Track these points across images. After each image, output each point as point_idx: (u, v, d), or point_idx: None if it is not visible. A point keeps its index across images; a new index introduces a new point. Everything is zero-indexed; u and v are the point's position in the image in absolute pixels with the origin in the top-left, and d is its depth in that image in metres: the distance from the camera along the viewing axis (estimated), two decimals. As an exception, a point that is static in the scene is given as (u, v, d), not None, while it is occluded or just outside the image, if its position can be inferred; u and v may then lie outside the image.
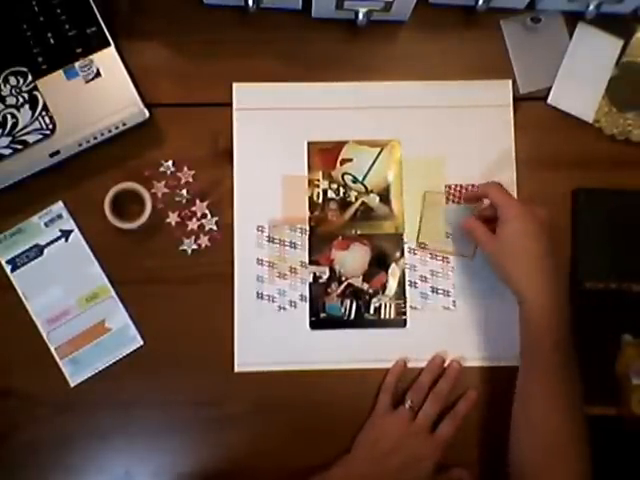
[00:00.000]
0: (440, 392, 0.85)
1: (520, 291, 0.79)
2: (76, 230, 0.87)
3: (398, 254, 0.89)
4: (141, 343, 0.87)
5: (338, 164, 0.90)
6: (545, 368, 0.78)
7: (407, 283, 0.88)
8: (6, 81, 0.85)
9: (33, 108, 0.85)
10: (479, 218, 0.84)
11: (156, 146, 0.89)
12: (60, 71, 0.86)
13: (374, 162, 0.90)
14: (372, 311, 0.88)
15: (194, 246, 0.88)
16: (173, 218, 0.88)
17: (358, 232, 0.89)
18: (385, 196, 0.90)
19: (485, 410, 0.86)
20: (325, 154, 0.90)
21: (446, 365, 0.87)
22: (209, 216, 0.88)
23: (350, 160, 0.90)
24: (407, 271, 0.89)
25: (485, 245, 0.82)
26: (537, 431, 0.78)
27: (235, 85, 0.90)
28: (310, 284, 0.88)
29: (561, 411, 0.78)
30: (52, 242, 0.87)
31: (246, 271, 0.88)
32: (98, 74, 0.86)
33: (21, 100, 0.85)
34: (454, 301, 0.89)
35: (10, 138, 0.84)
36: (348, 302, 0.88)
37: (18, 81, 0.85)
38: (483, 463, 0.85)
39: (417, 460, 0.82)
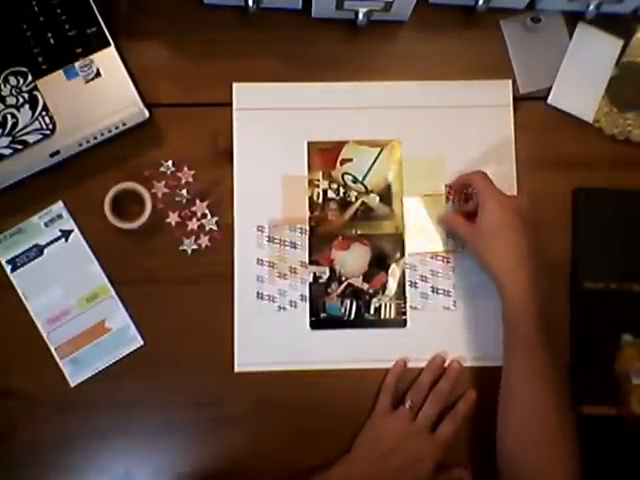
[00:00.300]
0: (440, 392, 0.85)
1: (498, 275, 0.80)
2: (76, 230, 0.87)
3: (398, 254, 0.89)
4: (141, 343, 0.87)
5: (338, 164, 0.90)
6: (528, 349, 0.78)
7: (407, 283, 0.88)
8: (6, 81, 0.85)
9: (33, 108, 0.85)
10: (462, 214, 0.86)
11: (156, 146, 0.89)
12: (60, 71, 0.86)
13: (374, 162, 0.90)
14: (372, 311, 0.88)
15: (194, 246, 0.88)
16: (173, 218, 0.88)
17: (358, 232, 0.89)
18: (385, 196, 0.90)
19: (485, 410, 0.86)
20: (325, 154, 0.90)
21: (446, 365, 0.87)
22: (209, 216, 0.88)
23: (350, 160, 0.90)
24: (407, 271, 0.89)
25: (464, 233, 0.84)
26: (528, 428, 0.78)
27: (235, 85, 0.90)
28: (310, 284, 0.88)
29: (551, 409, 0.78)
30: (52, 242, 0.87)
31: (246, 271, 0.88)
32: (98, 74, 0.86)
33: (21, 100, 0.85)
34: (454, 301, 0.89)
35: (10, 138, 0.84)
36: (348, 302, 0.88)
37: (18, 81, 0.85)
38: (482, 463, 0.85)
39: (417, 460, 0.82)
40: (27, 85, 0.85)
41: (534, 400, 0.78)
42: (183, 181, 0.89)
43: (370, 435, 0.84)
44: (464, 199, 0.89)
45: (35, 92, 0.85)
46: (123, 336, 0.86)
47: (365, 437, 0.84)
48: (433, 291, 0.89)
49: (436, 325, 0.88)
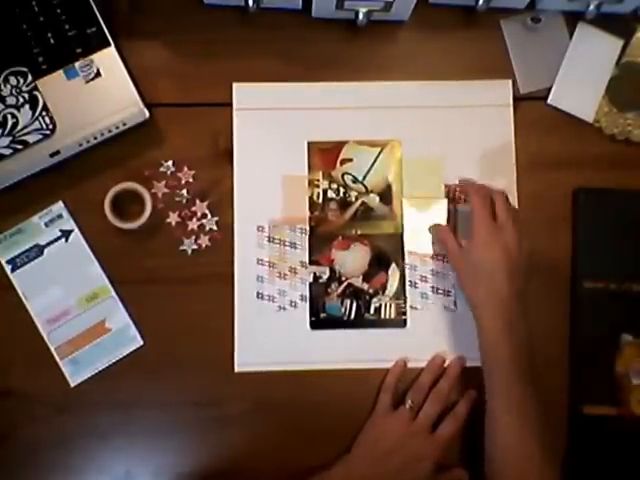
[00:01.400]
0: (440, 392, 0.85)
1: (477, 314, 0.81)
2: (76, 230, 0.87)
3: (398, 254, 0.89)
4: (141, 343, 0.87)
5: (338, 164, 0.90)
6: (506, 385, 0.78)
7: (407, 283, 0.88)
8: (6, 81, 0.85)
9: (33, 108, 0.85)
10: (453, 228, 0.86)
11: (156, 146, 0.89)
12: (60, 71, 0.86)
13: (374, 162, 0.90)
14: (372, 311, 0.88)
15: (194, 246, 0.88)
16: (173, 218, 0.88)
17: (358, 232, 0.89)
18: (385, 196, 0.90)
19: (485, 410, 0.86)
20: (325, 154, 0.90)
21: (446, 365, 0.87)
22: (209, 216, 0.88)
23: (350, 160, 0.90)
24: (407, 271, 0.89)
25: (452, 253, 0.85)
26: (509, 457, 0.78)
27: (235, 85, 0.90)
28: (310, 284, 0.88)
29: (531, 440, 0.77)
30: (52, 242, 0.87)
31: (246, 271, 0.88)
32: (98, 74, 0.86)
33: (21, 100, 0.85)
34: (454, 301, 0.89)
35: (10, 138, 0.84)
36: (348, 302, 0.88)
37: (18, 81, 0.85)
38: (482, 463, 0.85)
39: (417, 460, 0.82)
40: (27, 85, 0.85)
41: (514, 432, 0.78)
42: (183, 181, 0.89)
43: (370, 435, 0.84)
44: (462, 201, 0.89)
45: (35, 92, 0.85)
46: (123, 336, 0.86)
47: (365, 437, 0.84)
48: (433, 291, 0.89)
49: (436, 325, 0.88)
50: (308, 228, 0.89)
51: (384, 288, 0.88)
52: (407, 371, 0.87)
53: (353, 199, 0.90)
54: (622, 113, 0.90)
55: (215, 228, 0.88)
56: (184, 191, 0.89)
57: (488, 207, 0.82)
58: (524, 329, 0.80)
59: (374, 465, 0.82)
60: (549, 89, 0.91)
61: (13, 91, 0.85)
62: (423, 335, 0.88)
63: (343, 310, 0.88)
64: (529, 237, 0.88)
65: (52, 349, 0.86)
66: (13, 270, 0.86)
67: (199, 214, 0.88)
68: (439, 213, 0.89)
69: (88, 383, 0.86)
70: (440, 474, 0.83)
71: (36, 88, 0.85)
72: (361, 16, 0.87)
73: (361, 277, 0.88)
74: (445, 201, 0.89)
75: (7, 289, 0.86)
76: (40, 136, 0.84)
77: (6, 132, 0.84)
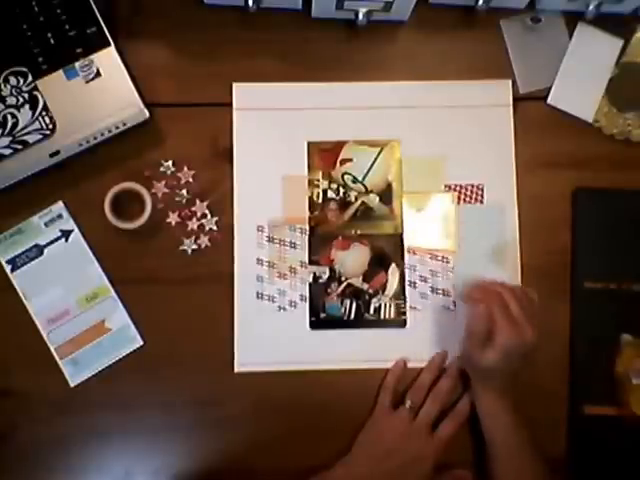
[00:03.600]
0: (440, 392, 0.85)
1: (481, 413, 0.83)
2: (76, 230, 0.87)
3: (398, 254, 0.89)
4: (141, 343, 0.87)
5: (338, 164, 0.90)
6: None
7: (407, 283, 0.88)
8: (6, 81, 0.85)
9: (33, 108, 0.85)
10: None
11: (156, 146, 0.89)
12: (60, 71, 0.86)
13: (374, 162, 0.90)
14: (372, 311, 0.88)
15: (194, 246, 0.88)
16: (173, 218, 0.88)
17: (358, 232, 0.89)
18: (385, 196, 0.90)
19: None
20: (325, 154, 0.90)
21: (446, 365, 0.87)
22: (209, 216, 0.88)
23: (350, 160, 0.90)
24: (407, 271, 0.89)
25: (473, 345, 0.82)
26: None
27: (235, 85, 0.90)
28: (310, 284, 0.88)
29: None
30: (52, 242, 0.87)
31: (246, 271, 0.88)
32: (98, 74, 0.86)
33: (21, 100, 0.85)
34: (454, 301, 0.89)
35: (10, 138, 0.84)
36: (348, 302, 0.88)
37: (18, 81, 0.85)
38: (482, 463, 0.85)
39: (417, 460, 0.82)
40: (27, 85, 0.85)
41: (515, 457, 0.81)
42: (183, 181, 0.89)
43: (370, 435, 0.84)
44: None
45: (35, 92, 0.85)
46: (123, 336, 0.86)
47: (365, 437, 0.84)
48: (433, 291, 0.89)
49: (436, 325, 0.88)
50: (308, 228, 0.89)
51: (384, 288, 0.88)
52: (407, 371, 0.87)
53: (353, 199, 0.90)
54: (622, 113, 0.90)
55: (215, 228, 0.88)
56: (184, 191, 0.89)
57: (508, 312, 0.79)
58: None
59: (374, 465, 0.82)
60: (549, 89, 0.91)
61: (13, 91, 0.85)
62: (423, 335, 0.88)
63: (343, 310, 0.88)
64: (529, 237, 0.89)
65: (52, 349, 0.86)
66: (13, 270, 0.86)
67: (199, 214, 0.88)
68: (439, 213, 0.89)
69: (88, 383, 0.86)
70: (441, 474, 0.83)
71: (36, 88, 0.85)
72: (361, 16, 0.87)
73: (361, 277, 0.88)
74: (445, 200, 0.89)
75: (7, 289, 0.86)
76: (40, 136, 0.84)
77: (6, 132, 0.84)
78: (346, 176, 0.90)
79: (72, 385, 0.86)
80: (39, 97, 0.85)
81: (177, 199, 0.89)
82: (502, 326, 0.78)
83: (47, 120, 0.84)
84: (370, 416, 0.85)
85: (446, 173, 0.90)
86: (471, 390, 0.85)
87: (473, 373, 0.84)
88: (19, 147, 0.84)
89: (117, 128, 0.85)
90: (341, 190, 0.90)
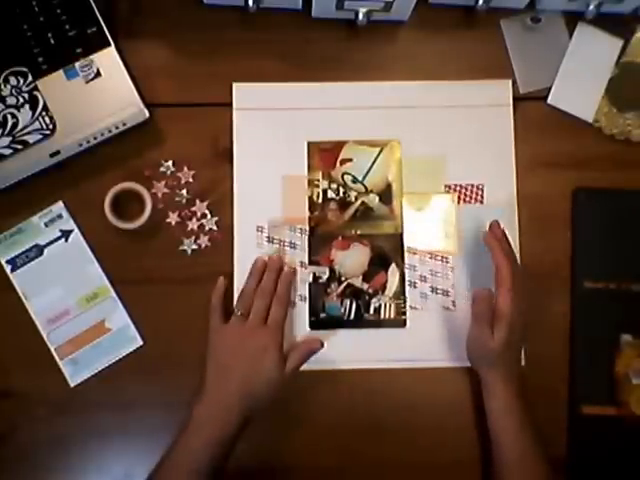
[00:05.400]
0: (265, 288, 0.84)
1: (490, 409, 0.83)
2: (76, 230, 0.87)
3: (398, 254, 0.89)
4: (141, 343, 0.87)
5: (338, 164, 0.90)
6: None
7: (407, 283, 0.88)
8: (6, 81, 0.85)
9: (33, 108, 0.85)
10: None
11: (156, 146, 0.89)
12: (60, 71, 0.86)
13: (374, 162, 0.90)
14: (372, 311, 0.88)
15: (194, 246, 0.88)
16: (173, 218, 0.88)
17: (358, 232, 0.89)
18: (385, 196, 0.90)
19: (484, 410, 0.86)
20: (325, 154, 0.90)
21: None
22: (209, 216, 0.88)
23: (350, 160, 0.90)
24: (407, 271, 0.89)
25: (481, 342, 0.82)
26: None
27: (235, 85, 0.90)
28: (310, 284, 0.88)
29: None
30: (52, 242, 0.87)
31: (246, 271, 0.87)
32: (98, 74, 0.86)
33: (21, 100, 0.85)
34: (454, 301, 0.89)
35: (10, 138, 0.84)
36: (348, 302, 0.88)
37: (18, 81, 0.85)
38: (482, 463, 0.85)
39: (261, 351, 0.81)
40: (27, 85, 0.85)
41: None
42: (183, 181, 0.89)
43: (212, 357, 0.82)
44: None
45: (35, 92, 0.85)
46: (123, 336, 0.86)
47: (209, 362, 0.82)
48: (432, 291, 0.89)
49: (436, 325, 0.88)
50: (308, 228, 0.89)
51: (384, 288, 0.88)
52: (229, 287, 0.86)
53: (353, 199, 0.90)
54: (622, 113, 0.90)
55: (215, 228, 0.88)
56: (184, 191, 0.89)
57: (513, 300, 0.80)
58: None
59: (226, 378, 0.80)
60: (549, 89, 0.91)
61: (13, 91, 0.85)
62: (422, 335, 0.88)
63: (343, 310, 0.88)
64: (529, 237, 0.88)
65: (52, 349, 0.86)
66: (13, 270, 0.86)
67: (199, 214, 0.88)
68: (439, 213, 0.89)
69: (88, 383, 0.86)
70: (296, 346, 0.83)
71: (36, 88, 0.85)
72: (361, 16, 0.87)
73: (361, 277, 0.88)
74: (445, 200, 0.89)
75: (7, 289, 0.86)
76: (40, 136, 0.84)
77: (6, 132, 0.84)
78: (346, 176, 0.90)
79: (72, 385, 0.86)
80: (39, 97, 0.85)
81: (177, 199, 0.89)
82: (504, 297, 0.79)
83: (47, 120, 0.84)
84: (207, 343, 0.83)
85: (446, 173, 0.90)
86: (481, 386, 0.83)
87: (481, 361, 0.83)
88: (19, 147, 0.84)
89: (117, 128, 0.85)
90: (341, 190, 0.90)
